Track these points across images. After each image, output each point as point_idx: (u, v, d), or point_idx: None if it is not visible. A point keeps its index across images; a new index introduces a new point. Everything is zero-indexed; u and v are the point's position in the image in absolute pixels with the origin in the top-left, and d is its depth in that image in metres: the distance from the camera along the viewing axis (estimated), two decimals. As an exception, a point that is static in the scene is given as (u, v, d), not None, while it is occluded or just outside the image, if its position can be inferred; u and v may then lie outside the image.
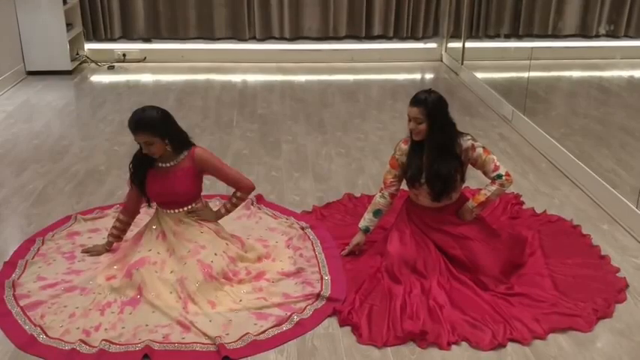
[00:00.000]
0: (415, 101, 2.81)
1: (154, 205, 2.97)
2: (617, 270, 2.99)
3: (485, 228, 2.96)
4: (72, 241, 3.23)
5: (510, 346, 2.48)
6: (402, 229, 2.97)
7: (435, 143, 2.82)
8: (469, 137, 2.88)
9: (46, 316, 2.62)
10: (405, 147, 2.93)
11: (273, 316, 2.63)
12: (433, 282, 2.77)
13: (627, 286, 2.87)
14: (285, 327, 2.57)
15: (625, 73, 6.32)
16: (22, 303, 2.70)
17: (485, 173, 2.91)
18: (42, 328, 2.53)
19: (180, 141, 2.88)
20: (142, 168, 2.90)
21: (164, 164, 2.87)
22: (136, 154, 2.91)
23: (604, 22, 6.49)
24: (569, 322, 2.58)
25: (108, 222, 3.41)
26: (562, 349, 2.47)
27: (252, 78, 6.43)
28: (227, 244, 2.96)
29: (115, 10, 6.74)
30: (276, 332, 2.55)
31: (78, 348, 2.43)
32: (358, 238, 3.05)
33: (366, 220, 3.05)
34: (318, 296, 2.74)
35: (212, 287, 2.75)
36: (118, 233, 3.11)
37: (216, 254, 2.87)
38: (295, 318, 2.61)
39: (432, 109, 2.78)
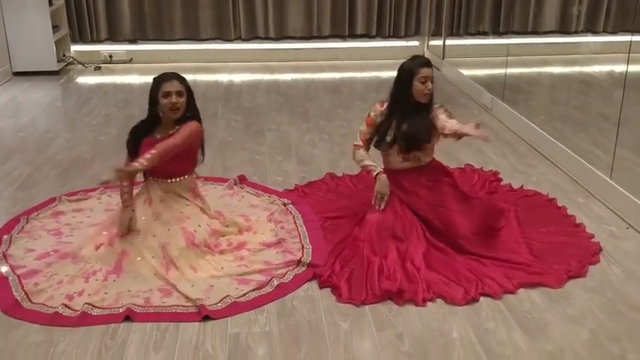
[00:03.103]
0: (427, 62, 2.94)
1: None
2: (592, 236, 3.05)
3: (460, 194, 3.02)
4: (56, 219, 3.26)
5: (485, 301, 2.54)
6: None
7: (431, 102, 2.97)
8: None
9: (40, 285, 2.64)
10: (380, 108, 3.00)
11: (254, 281, 2.68)
12: (410, 246, 2.83)
13: (601, 249, 2.94)
14: (265, 290, 2.62)
15: (604, 68, 6.42)
16: (18, 272, 2.73)
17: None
18: (27, 294, 2.57)
19: (196, 114, 2.96)
20: (139, 135, 2.93)
21: (161, 135, 2.90)
22: (135, 127, 2.96)
23: (582, 15, 6.62)
24: (538, 279, 2.66)
25: (92, 203, 3.46)
26: (535, 304, 2.53)
27: (238, 77, 6.49)
28: (210, 218, 3.02)
29: (101, 11, 6.81)
30: (256, 295, 2.60)
31: (61, 311, 2.47)
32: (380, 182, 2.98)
33: (368, 161, 3.05)
34: (298, 262, 2.79)
35: (193, 254, 2.80)
36: (128, 197, 2.95)
37: (200, 225, 2.92)
38: (275, 282, 2.66)
39: None
